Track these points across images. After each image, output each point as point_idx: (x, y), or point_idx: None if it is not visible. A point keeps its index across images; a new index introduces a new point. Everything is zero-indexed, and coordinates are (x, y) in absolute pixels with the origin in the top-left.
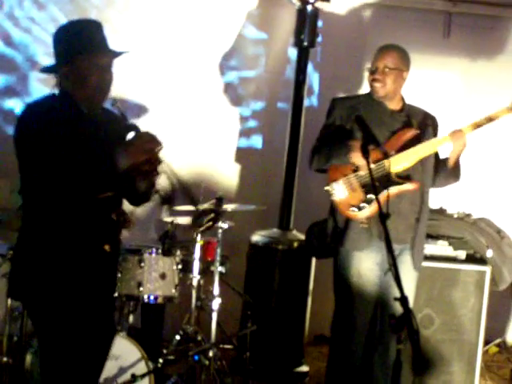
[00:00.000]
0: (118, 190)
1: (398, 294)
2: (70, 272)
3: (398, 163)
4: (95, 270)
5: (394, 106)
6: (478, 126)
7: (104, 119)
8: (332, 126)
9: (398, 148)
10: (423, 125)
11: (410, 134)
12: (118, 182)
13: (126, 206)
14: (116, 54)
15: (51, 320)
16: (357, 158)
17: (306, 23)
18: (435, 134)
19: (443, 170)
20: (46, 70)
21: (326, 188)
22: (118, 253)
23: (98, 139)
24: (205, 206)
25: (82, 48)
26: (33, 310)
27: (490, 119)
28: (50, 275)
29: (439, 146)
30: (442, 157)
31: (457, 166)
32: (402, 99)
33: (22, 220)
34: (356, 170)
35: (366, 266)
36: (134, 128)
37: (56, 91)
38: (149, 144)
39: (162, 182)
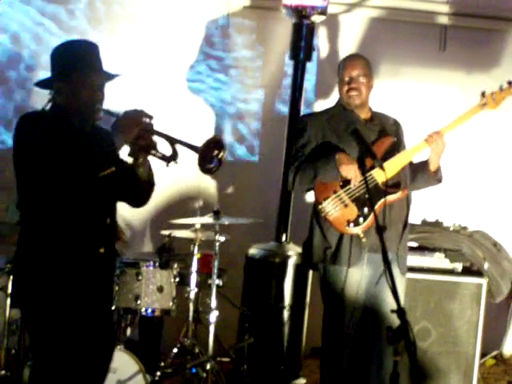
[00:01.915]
0: (118, 165)
1: (389, 306)
2: (67, 275)
3: (385, 172)
4: (91, 273)
5: (365, 115)
6: (453, 126)
7: (96, 136)
8: (308, 144)
9: (380, 158)
10: (396, 130)
11: (388, 142)
12: (117, 159)
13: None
14: (110, 77)
15: (48, 325)
16: (345, 170)
17: (303, 37)
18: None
19: (422, 173)
20: (41, 84)
21: (320, 207)
22: (114, 256)
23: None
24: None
25: (77, 66)
26: (30, 316)
27: (464, 118)
28: (47, 279)
29: (419, 151)
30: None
31: (438, 168)
32: (370, 108)
33: (20, 229)
34: (344, 184)
35: (355, 279)
36: None
37: (47, 107)
38: (137, 117)
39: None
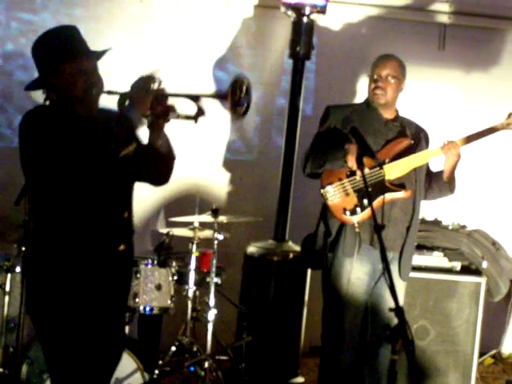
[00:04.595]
0: (138, 143)
1: (389, 304)
2: (85, 278)
3: (392, 171)
4: (111, 273)
5: (388, 115)
6: (470, 139)
7: (101, 120)
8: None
9: (392, 156)
10: (417, 136)
11: (405, 143)
12: (136, 136)
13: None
14: (98, 55)
15: (64, 333)
16: (353, 161)
17: (302, 35)
18: (427, 147)
19: (437, 182)
20: (31, 86)
21: (322, 191)
22: (132, 252)
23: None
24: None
25: (64, 55)
26: (44, 320)
27: (483, 134)
28: (64, 284)
29: (432, 157)
30: (434, 170)
31: (452, 178)
32: (396, 109)
33: (32, 228)
34: (351, 174)
35: (356, 275)
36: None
37: (46, 103)
38: (146, 85)
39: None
